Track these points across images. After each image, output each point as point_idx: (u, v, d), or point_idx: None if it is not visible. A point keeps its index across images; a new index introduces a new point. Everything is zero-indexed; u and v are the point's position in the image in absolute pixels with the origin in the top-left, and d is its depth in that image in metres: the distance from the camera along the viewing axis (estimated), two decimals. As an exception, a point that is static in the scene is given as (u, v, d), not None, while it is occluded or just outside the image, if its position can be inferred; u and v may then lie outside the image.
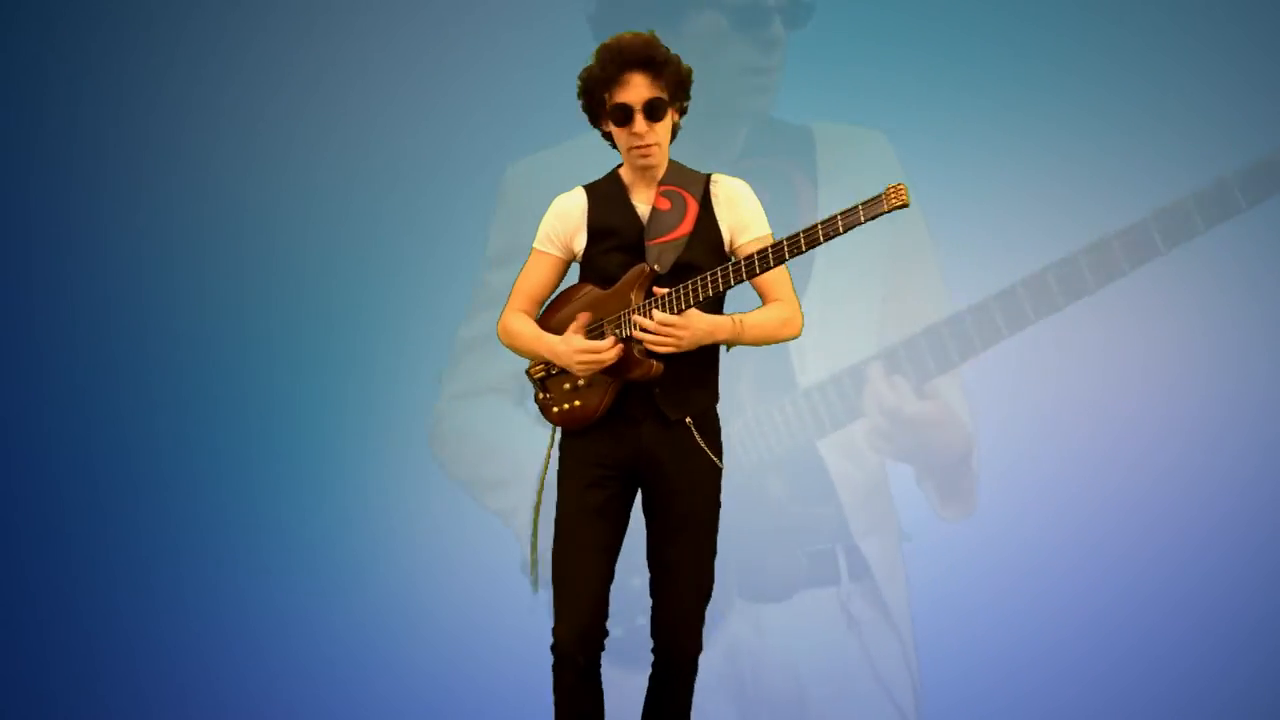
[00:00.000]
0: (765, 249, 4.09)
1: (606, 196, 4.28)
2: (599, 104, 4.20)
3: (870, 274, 6.58)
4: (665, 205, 4.24)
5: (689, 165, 4.30)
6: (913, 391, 6.45)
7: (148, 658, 6.84)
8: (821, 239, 4.01)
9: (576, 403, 4.23)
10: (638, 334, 4.15)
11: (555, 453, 4.32)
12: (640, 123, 4.17)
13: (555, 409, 4.28)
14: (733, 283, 4.12)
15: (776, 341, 4.26)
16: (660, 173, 4.26)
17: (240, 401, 6.90)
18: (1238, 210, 6.39)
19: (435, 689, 6.76)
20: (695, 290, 4.12)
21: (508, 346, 4.37)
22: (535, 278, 4.34)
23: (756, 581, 6.53)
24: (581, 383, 4.23)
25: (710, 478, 4.26)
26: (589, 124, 4.29)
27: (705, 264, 4.19)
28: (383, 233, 6.94)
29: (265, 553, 6.83)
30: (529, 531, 4.45)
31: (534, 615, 4.78)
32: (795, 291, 4.27)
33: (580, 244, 4.28)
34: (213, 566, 6.83)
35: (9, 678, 6.87)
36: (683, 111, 4.26)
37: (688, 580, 4.22)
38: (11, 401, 6.95)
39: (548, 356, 4.25)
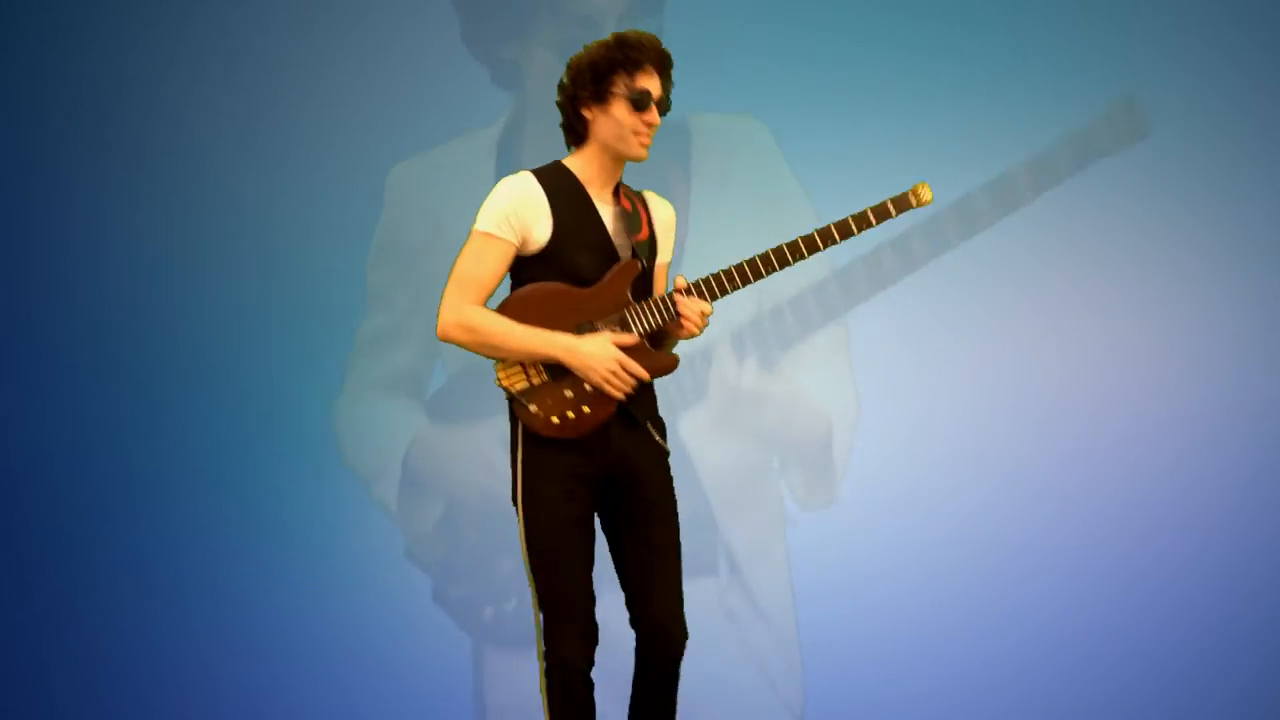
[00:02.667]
0: (809, 235, 4.14)
1: (566, 192, 4.18)
2: (607, 84, 4.15)
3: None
4: (628, 206, 4.23)
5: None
6: (756, 369, 6.48)
7: (148, 658, 6.85)
8: (855, 229, 4.12)
9: (585, 409, 4.13)
10: (696, 327, 4.17)
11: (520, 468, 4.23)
12: (654, 113, 4.17)
13: (556, 419, 4.13)
14: (764, 273, 4.17)
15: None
16: (620, 173, 4.26)
17: (240, 401, 6.90)
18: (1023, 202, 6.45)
19: (435, 689, 6.77)
20: (729, 281, 4.18)
21: (465, 344, 4.14)
22: (489, 265, 4.12)
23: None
24: (588, 387, 4.12)
25: (666, 465, 4.26)
26: (564, 103, 4.21)
27: (652, 273, 4.26)
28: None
29: (265, 553, 6.83)
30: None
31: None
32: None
33: (540, 235, 4.13)
34: (213, 566, 6.83)
35: (9, 678, 6.87)
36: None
37: (674, 568, 4.21)
38: (11, 401, 6.95)
39: (563, 358, 4.10)
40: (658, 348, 4.22)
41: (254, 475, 6.86)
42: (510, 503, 4.20)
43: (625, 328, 4.17)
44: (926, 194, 4.09)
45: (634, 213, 4.23)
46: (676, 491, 4.28)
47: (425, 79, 6.89)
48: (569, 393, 4.13)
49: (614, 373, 4.10)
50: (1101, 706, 6.53)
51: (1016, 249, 6.62)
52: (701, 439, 6.50)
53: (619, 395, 4.12)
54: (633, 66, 4.16)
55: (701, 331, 4.20)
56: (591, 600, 4.17)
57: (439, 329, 4.13)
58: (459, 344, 4.14)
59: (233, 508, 6.85)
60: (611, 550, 4.26)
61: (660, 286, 4.30)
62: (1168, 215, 6.64)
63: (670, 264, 4.35)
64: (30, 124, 6.96)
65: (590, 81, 4.15)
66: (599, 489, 4.21)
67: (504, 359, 4.14)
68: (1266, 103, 6.62)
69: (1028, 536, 6.59)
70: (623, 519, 4.23)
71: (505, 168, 6.56)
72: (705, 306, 4.16)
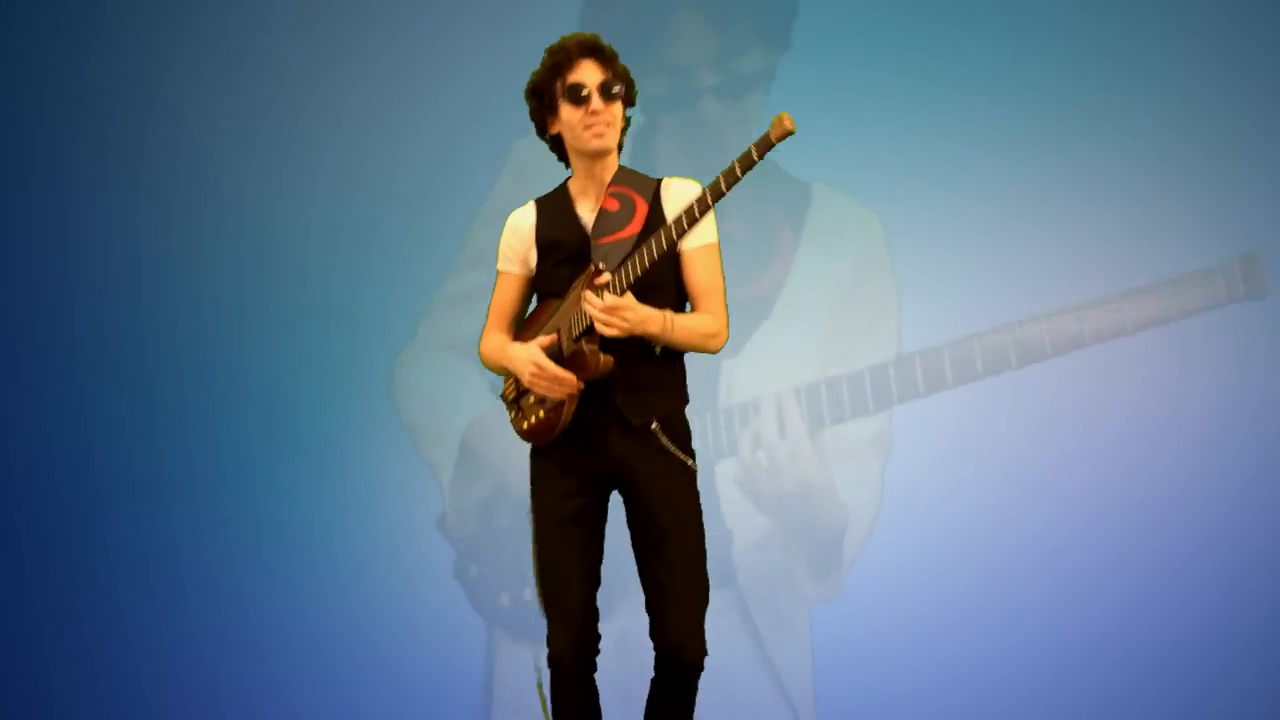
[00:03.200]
0: (690, 206, 4.09)
1: (552, 209, 4.29)
2: (550, 96, 4.21)
3: (827, 310, 6.67)
4: (614, 206, 4.23)
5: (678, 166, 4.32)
6: (805, 434, 6.55)
7: (148, 658, 6.85)
8: (724, 187, 4.05)
9: (540, 414, 4.22)
10: (597, 320, 4.10)
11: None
12: (596, 100, 4.18)
13: (524, 423, 4.26)
14: (665, 247, 4.10)
15: (699, 350, 4.24)
16: (609, 175, 4.25)
17: (240, 401, 6.90)
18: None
19: (435, 689, 6.77)
20: (635, 265, 4.12)
21: (488, 368, 4.39)
22: (503, 297, 4.35)
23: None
24: (541, 395, 4.21)
25: (684, 479, 4.22)
26: (538, 131, 4.27)
27: (654, 265, 4.17)
28: (381, 233, 6.95)
29: (265, 553, 6.83)
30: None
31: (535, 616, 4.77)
32: (728, 307, 4.29)
33: (533, 259, 4.30)
34: (213, 566, 6.83)
35: (9, 678, 6.87)
36: (627, 120, 4.28)
37: (684, 586, 4.18)
38: (11, 401, 6.95)
39: (509, 365, 4.27)
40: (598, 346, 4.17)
41: (254, 475, 6.86)
42: None
43: (569, 333, 4.20)
44: (784, 124, 3.98)
45: (620, 211, 4.22)
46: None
47: (425, 79, 6.89)
48: (531, 399, 4.27)
49: (534, 374, 4.19)
50: (1101, 706, 6.53)
51: (1017, 249, 6.63)
52: (725, 485, 6.58)
53: (549, 394, 4.19)
54: (560, 69, 4.22)
55: (624, 329, 4.10)
56: (586, 599, 4.18)
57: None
58: (489, 369, 4.40)
59: (233, 508, 6.85)
60: (635, 559, 4.27)
61: (697, 276, 4.23)
62: (1168, 215, 6.64)
63: (710, 244, 4.23)
64: (30, 124, 6.96)
65: (535, 100, 4.26)
66: (605, 492, 4.24)
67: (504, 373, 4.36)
68: (1266, 103, 6.62)
69: (1028, 537, 6.59)
70: (635, 529, 4.24)
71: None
72: (614, 301, 4.08)
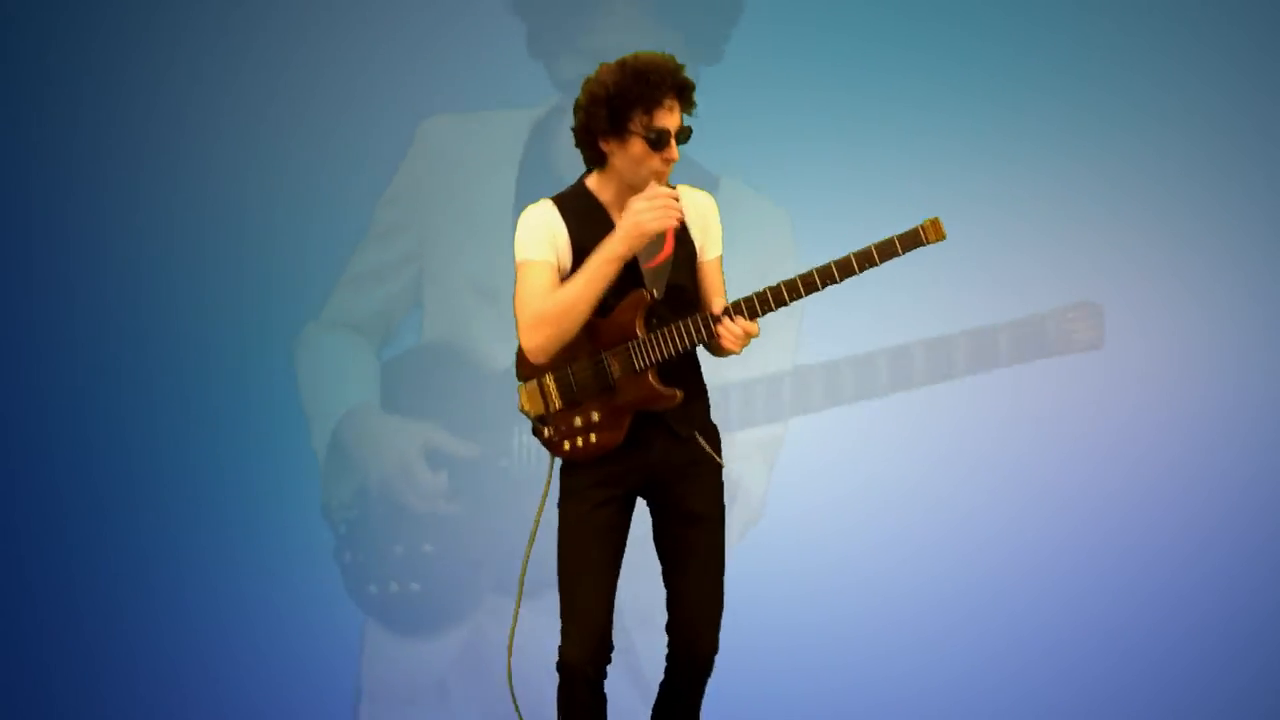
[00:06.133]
0: (831, 265, 4.07)
1: (583, 214, 4.18)
2: (624, 121, 4.07)
3: None
4: None
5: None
6: None
7: (148, 658, 6.84)
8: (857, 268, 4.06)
9: (593, 438, 4.16)
10: (736, 345, 4.13)
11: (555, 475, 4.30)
12: (673, 149, 4.09)
13: (568, 444, 4.19)
14: (799, 294, 4.09)
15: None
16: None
17: (240, 401, 6.90)
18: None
19: (436, 688, 6.76)
20: (770, 300, 4.09)
21: (551, 336, 4.10)
22: (542, 284, 4.12)
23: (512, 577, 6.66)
24: (596, 417, 4.15)
25: (716, 477, 4.26)
26: (580, 132, 4.15)
27: (689, 283, 4.19)
28: (283, 215, 6.94)
29: (265, 553, 6.83)
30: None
31: (538, 617, 4.77)
32: None
33: (565, 262, 4.16)
34: (213, 566, 6.83)
35: (9, 678, 6.87)
36: None
37: (713, 579, 4.22)
38: (11, 401, 6.94)
39: (619, 250, 4.05)
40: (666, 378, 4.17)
41: (254, 475, 6.86)
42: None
43: (627, 360, 4.14)
44: (939, 230, 4.02)
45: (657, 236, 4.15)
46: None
47: (423, 79, 6.88)
48: (578, 420, 4.19)
49: (654, 207, 4.06)
50: (1101, 706, 6.53)
51: (1016, 250, 6.62)
52: None
53: (674, 219, 4.07)
54: (650, 104, 4.06)
55: (740, 349, 4.15)
56: (603, 609, 4.19)
57: (529, 358, 4.15)
58: (549, 343, 4.11)
59: (233, 508, 6.85)
60: (659, 556, 4.29)
61: (712, 283, 4.26)
62: (1167, 215, 6.64)
63: (717, 259, 4.28)
64: (30, 124, 6.96)
65: (606, 117, 4.08)
66: (633, 501, 4.25)
67: (583, 316, 4.10)
68: (1266, 103, 6.62)
69: (1027, 537, 6.59)
70: (668, 526, 4.25)
71: (533, 154, 6.62)
72: (751, 327, 4.12)
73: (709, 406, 4.30)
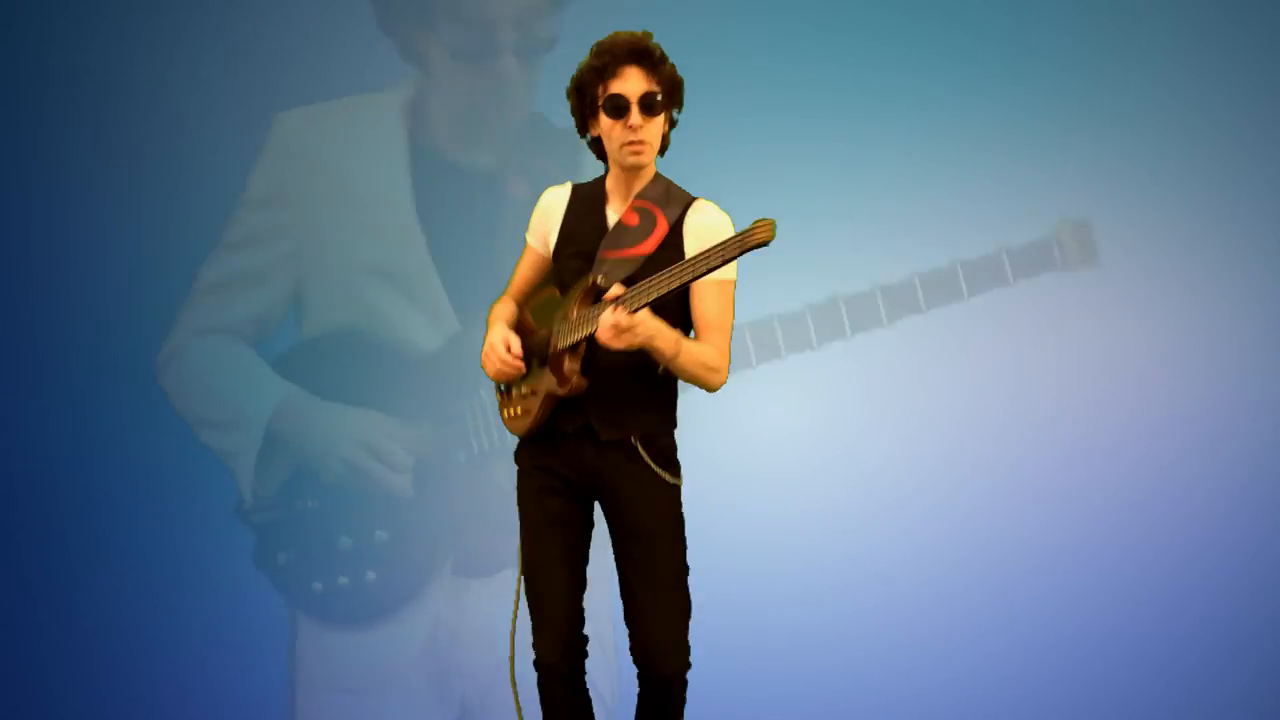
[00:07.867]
0: (713, 253, 3.87)
1: (585, 199, 4.18)
2: (591, 100, 4.07)
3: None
4: (633, 220, 4.10)
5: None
6: None
7: (148, 658, 6.84)
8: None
9: (519, 410, 4.17)
10: (604, 335, 3.94)
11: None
12: (635, 115, 4.03)
13: (506, 411, 4.22)
14: (676, 286, 3.89)
15: (698, 382, 4.06)
16: (642, 184, 4.13)
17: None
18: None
19: (435, 688, 6.76)
20: (645, 293, 3.91)
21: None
22: (520, 268, 4.29)
23: (469, 559, 6.66)
24: (527, 391, 4.14)
25: (663, 494, 4.13)
26: (577, 128, 4.15)
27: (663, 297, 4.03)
28: (133, 218, 6.92)
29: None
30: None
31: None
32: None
33: (551, 242, 4.20)
34: (213, 566, 6.83)
35: (9, 678, 6.87)
36: (673, 123, 4.13)
37: (663, 599, 4.11)
38: (11, 401, 6.95)
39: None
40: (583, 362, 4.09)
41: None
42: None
43: (556, 339, 4.12)
44: (767, 230, 3.76)
45: (638, 227, 4.09)
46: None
47: (173, 40, 6.82)
48: (521, 390, 4.20)
49: (485, 353, 4.19)
50: (1101, 706, 6.54)
51: (838, 218, 6.62)
52: None
53: (492, 373, 4.18)
54: (603, 73, 4.05)
55: (622, 345, 3.92)
56: (565, 600, 4.13)
57: None
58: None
59: (232, 508, 6.85)
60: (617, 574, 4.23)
61: (703, 309, 4.08)
62: (1167, 215, 6.64)
63: (727, 281, 4.06)
64: (30, 124, 6.96)
65: (577, 99, 4.11)
66: (588, 499, 4.19)
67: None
68: (1266, 103, 6.63)
69: (1027, 537, 6.59)
70: (614, 543, 4.18)
71: (420, 134, 6.59)
72: (627, 321, 3.89)
73: (664, 426, 4.16)
